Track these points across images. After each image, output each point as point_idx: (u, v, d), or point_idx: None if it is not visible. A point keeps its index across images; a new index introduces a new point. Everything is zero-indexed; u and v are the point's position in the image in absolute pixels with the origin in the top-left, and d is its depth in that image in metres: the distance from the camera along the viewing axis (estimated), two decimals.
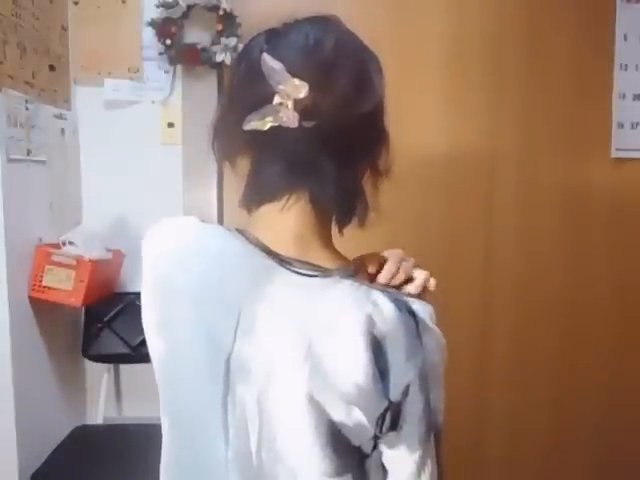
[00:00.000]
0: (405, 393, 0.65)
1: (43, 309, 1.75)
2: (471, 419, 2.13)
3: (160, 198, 2.03)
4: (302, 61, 0.67)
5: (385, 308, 0.65)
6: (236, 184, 0.76)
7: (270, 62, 0.65)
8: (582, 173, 2.08)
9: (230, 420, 0.70)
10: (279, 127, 0.66)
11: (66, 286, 1.71)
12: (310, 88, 0.65)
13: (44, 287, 1.71)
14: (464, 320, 2.09)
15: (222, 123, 0.82)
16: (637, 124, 2.06)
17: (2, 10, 1.55)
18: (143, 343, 2.16)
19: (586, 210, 2.09)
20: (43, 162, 1.77)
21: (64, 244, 1.74)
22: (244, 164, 0.77)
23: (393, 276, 0.74)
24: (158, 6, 1.89)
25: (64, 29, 1.94)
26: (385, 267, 0.74)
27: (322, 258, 0.72)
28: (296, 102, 0.65)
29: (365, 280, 0.73)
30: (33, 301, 1.72)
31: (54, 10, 1.87)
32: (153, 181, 2.03)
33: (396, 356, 0.64)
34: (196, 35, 1.94)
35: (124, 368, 2.10)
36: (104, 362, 2.03)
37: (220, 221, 2.06)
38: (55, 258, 1.71)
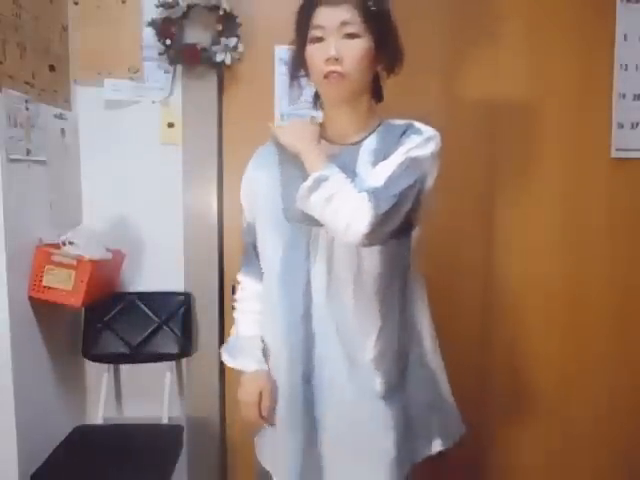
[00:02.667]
0: None
1: (43, 309, 1.75)
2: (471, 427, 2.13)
3: (160, 198, 2.03)
4: None
5: None
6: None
7: None
8: (582, 173, 2.08)
9: None
10: None
11: (66, 286, 1.71)
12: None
13: (44, 287, 1.71)
14: (464, 323, 2.10)
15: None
16: (637, 124, 2.06)
17: (2, 10, 1.55)
18: (143, 343, 2.18)
19: (586, 210, 2.09)
20: (43, 162, 1.77)
21: (64, 244, 1.74)
22: None
23: None
24: (158, 6, 1.89)
25: (64, 29, 1.94)
26: None
27: None
28: None
29: None
30: (33, 301, 1.72)
31: (54, 10, 1.87)
32: (153, 181, 2.03)
33: None
34: (196, 35, 1.93)
35: (124, 368, 2.10)
36: (104, 362, 2.02)
37: (220, 221, 2.06)
38: (55, 258, 1.71)
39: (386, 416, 1.22)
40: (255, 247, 1.34)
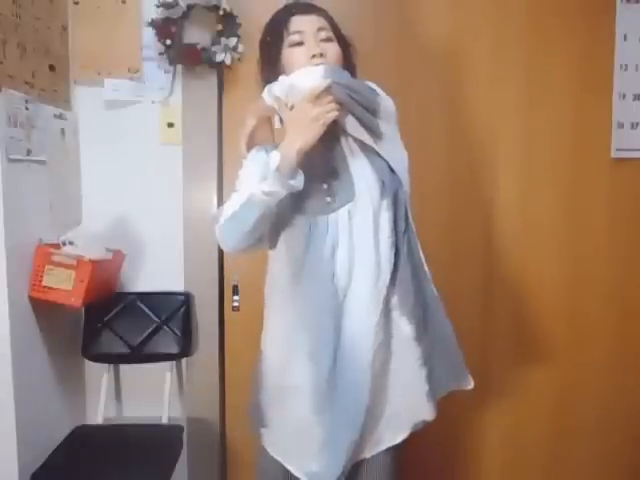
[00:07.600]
0: None
1: (43, 309, 1.75)
2: (472, 423, 2.13)
3: (160, 198, 2.03)
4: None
5: None
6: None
7: None
8: (582, 173, 2.08)
9: None
10: None
11: (66, 286, 1.71)
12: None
13: (44, 287, 1.71)
14: (464, 324, 2.10)
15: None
16: (637, 124, 2.06)
17: (2, 10, 1.56)
18: (143, 343, 2.17)
19: (586, 210, 2.09)
20: (43, 162, 1.77)
21: (64, 244, 1.74)
22: None
23: None
24: (158, 6, 1.89)
25: (64, 29, 1.94)
26: None
27: None
28: None
29: None
30: (33, 301, 1.72)
31: (54, 10, 1.87)
32: (153, 181, 2.03)
33: None
34: (196, 35, 1.93)
35: (124, 368, 2.10)
36: (104, 362, 2.02)
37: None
38: (55, 258, 1.71)
39: (415, 354, 1.33)
40: None
